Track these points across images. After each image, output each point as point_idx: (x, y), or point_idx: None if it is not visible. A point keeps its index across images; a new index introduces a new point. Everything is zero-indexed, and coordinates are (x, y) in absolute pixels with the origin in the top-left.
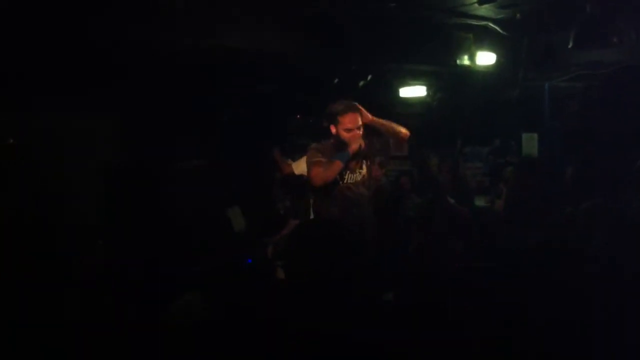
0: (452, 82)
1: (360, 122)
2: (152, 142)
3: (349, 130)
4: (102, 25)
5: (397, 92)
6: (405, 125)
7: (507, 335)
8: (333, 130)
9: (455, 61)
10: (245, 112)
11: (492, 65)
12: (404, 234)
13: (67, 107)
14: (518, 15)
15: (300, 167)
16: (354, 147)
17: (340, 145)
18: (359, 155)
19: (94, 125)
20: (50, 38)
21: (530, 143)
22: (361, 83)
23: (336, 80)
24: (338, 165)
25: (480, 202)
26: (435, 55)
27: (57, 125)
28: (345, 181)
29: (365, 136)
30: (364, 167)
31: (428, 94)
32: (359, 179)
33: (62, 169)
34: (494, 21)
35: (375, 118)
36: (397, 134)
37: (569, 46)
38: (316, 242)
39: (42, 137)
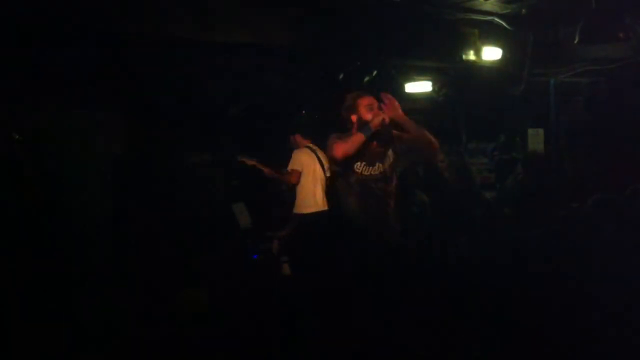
0: (458, 78)
1: (378, 103)
2: (159, 137)
3: (370, 107)
4: (103, 18)
5: (402, 87)
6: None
7: (510, 326)
8: (354, 118)
9: (461, 57)
10: (250, 107)
11: (498, 61)
12: (409, 228)
13: (73, 103)
14: (524, 10)
15: (297, 160)
16: (375, 122)
17: (363, 125)
18: (380, 139)
19: (100, 121)
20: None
21: (536, 138)
22: (366, 78)
23: (341, 76)
24: (360, 137)
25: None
26: (440, 51)
27: (63, 121)
28: (360, 173)
29: (396, 137)
30: (385, 162)
31: (433, 90)
32: (376, 172)
33: (69, 164)
34: (500, 16)
35: (406, 117)
36: (426, 142)
37: (575, 42)
38: (320, 235)
39: (48, 133)
